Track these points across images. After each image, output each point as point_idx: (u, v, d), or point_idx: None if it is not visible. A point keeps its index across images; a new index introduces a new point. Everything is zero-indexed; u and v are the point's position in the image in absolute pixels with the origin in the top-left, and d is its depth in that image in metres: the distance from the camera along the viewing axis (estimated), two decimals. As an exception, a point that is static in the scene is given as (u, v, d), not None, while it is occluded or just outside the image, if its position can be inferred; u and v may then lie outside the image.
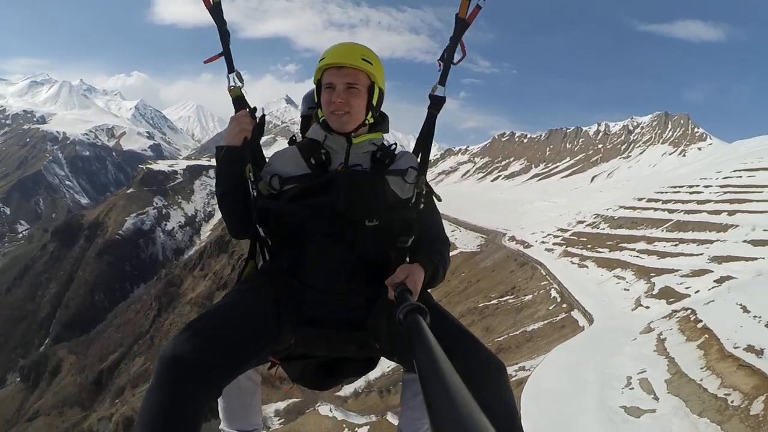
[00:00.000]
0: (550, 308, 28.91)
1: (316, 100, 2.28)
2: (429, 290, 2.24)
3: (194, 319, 1.90)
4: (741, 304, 15.38)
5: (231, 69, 2.46)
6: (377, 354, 2.24)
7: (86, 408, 73.69)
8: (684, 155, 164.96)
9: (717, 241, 31.00)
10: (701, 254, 29.56)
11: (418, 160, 2.40)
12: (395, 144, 2.36)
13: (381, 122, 2.36)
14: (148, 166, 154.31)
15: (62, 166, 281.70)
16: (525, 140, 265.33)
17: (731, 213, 36.01)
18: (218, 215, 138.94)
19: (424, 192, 2.31)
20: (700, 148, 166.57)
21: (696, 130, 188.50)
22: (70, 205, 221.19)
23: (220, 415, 2.40)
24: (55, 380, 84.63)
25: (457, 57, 2.44)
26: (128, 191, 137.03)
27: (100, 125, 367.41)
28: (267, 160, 2.44)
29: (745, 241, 28.55)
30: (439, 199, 2.42)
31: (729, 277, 22.91)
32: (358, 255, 2.14)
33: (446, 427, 0.68)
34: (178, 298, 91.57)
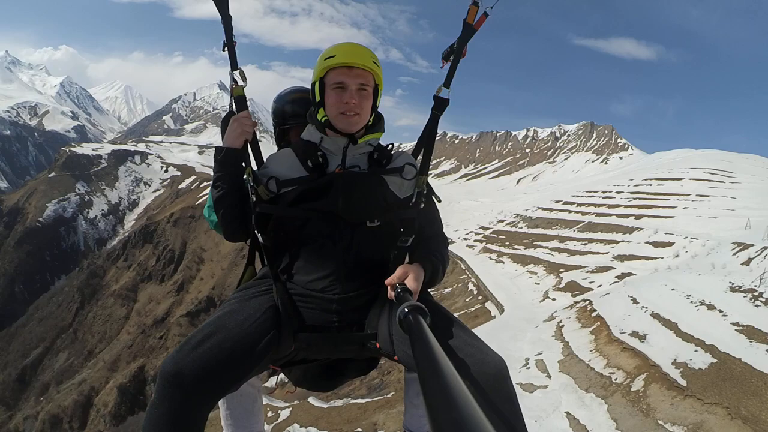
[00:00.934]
0: (467, 300, 30.24)
1: (318, 98, 2.23)
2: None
3: (194, 332, 1.90)
4: (632, 296, 16.85)
5: (234, 66, 2.37)
6: (377, 354, 2.22)
7: (11, 407, 70.39)
8: (606, 163, 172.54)
9: (622, 241, 33.23)
10: (607, 253, 31.69)
11: (420, 160, 2.41)
12: (392, 144, 2.37)
13: (377, 122, 2.37)
14: (72, 149, 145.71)
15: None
16: (456, 141, 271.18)
17: (638, 217, 38.65)
18: (143, 204, 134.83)
19: (424, 192, 2.31)
20: (621, 158, 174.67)
21: (619, 140, 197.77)
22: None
23: (222, 423, 2.40)
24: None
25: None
26: (50, 175, 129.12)
27: (22, 102, 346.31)
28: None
29: (647, 243, 30.72)
30: (439, 200, 2.43)
31: (629, 274, 24.62)
32: (358, 256, 2.14)
33: (445, 427, 0.67)
34: (101, 290, 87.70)
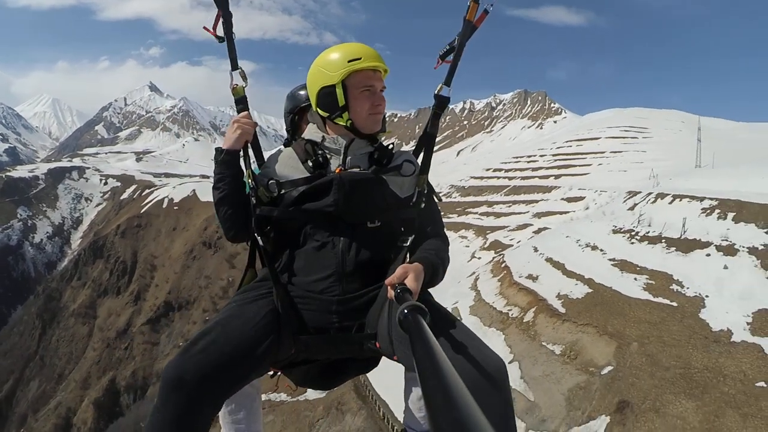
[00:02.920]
0: (404, 270, 32.56)
1: (342, 103, 2.15)
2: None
3: (194, 338, 1.89)
4: (534, 247, 19.47)
5: (235, 66, 2.33)
6: (377, 354, 2.16)
7: None
8: (541, 128, 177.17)
9: (541, 200, 36.29)
10: (527, 212, 34.74)
11: (421, 159, 2.34)
12: (392, 144, 2.33)
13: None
14: (7, 173, 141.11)
15: None
16: (396, 119, 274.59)
17: (557, 177, 42.03)
18: (87, 220, 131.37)
19: (425, 191, 2.23)
20: (555, 122, 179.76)
21: (552, 105, 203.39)
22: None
23: (221, 421, 2.39)
24: (-47, 424, 77.89)
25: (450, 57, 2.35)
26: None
27: None
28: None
29: (562, 199, 33.73)
30: (440, 199, 2.38)
31: (545, 228, 27.39)
32: (358, 257, 2.08)
33: (445, 426, 0.68)
34: (60, 313, 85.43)
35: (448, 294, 19.04)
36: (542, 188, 39.12)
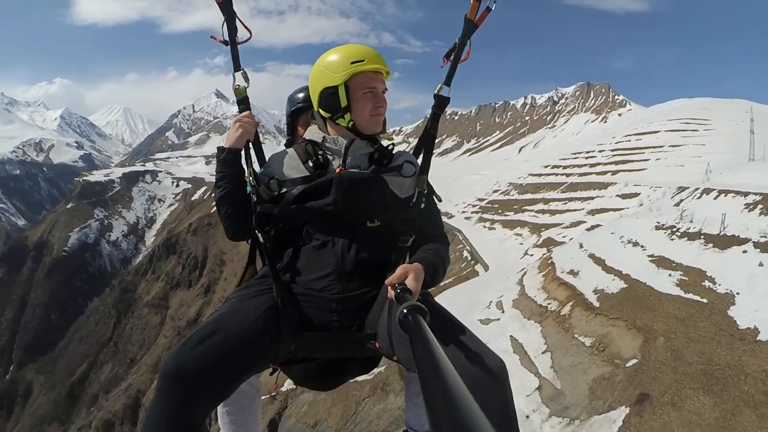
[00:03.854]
0: (462, 266, 33.25)
1: (344, 104, 2.13)
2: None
3: (195, 331, 1.87)
4: (580, 243, 19.94)
5: (237, 67, 2.36)
6: (377, 354, 2.16)
7: (64, 422, 73.62)
8: (605, 121, 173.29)
9: (597, 197, 36.21)
10: (582, 209, 34.94)
11: (421, 159, 2.34)
12: (392, 144, 2.29)
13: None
14: (84, 178, 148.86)
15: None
16: (456, 117, 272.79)
17: (614, 173, 41.60)
18: (160, 220, 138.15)
19: (425, 191, 2.23)
20: (620, 114, 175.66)
21: (616, 97, 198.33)
22: (8, 228, 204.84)
23: (219, 421, 2.37)
24: (28, 402, 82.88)
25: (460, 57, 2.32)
26: (68, 206, 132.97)
27: (26, 140, 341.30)
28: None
29: (617, 196, 33.62)
30: (440, 200, 2.38)
31: (598, 225, 27.15)
32: (357, 256, 2.08)
33: (445, 426, 0.67)
34: (134, 303, 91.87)
35: (496, 288, 19.76)
36: (598, 185, 38.91)
